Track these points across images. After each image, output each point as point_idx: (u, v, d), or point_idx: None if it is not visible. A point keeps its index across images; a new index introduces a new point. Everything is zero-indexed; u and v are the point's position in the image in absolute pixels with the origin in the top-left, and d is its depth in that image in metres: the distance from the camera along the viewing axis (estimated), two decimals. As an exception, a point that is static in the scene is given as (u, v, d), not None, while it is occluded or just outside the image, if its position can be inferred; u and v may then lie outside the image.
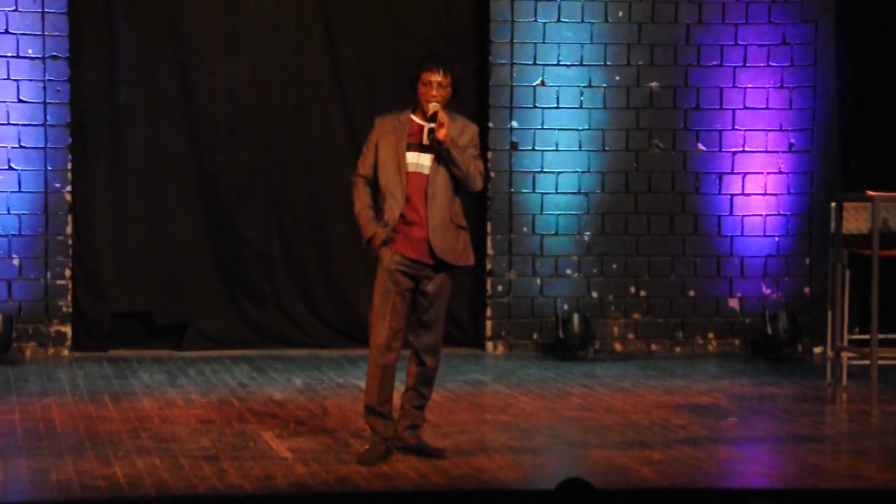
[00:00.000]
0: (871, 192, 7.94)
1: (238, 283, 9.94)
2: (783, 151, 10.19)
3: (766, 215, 10.19)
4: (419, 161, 6.32)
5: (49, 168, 9.53)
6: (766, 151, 10.18)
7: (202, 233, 9.87)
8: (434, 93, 6.28)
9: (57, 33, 9.50)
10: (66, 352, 9.58)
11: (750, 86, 10.15)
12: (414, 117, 6.36)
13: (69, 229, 9.59)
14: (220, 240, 9.89)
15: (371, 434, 6.44)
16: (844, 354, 8.19)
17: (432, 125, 6.25)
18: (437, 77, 6.28)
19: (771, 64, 10.15)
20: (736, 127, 10.17)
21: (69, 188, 9.58)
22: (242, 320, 9.93)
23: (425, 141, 6.31)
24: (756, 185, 10.17)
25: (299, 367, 9.20)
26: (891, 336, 8.50)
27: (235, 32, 9.86)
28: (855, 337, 8.84)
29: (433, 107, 6.26)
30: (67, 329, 9.60)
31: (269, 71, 9.92)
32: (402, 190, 6.29)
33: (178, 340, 9.80)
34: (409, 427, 6.49)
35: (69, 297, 9.59)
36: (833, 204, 8.24)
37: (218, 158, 9.89)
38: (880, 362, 7.78)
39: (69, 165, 9.57)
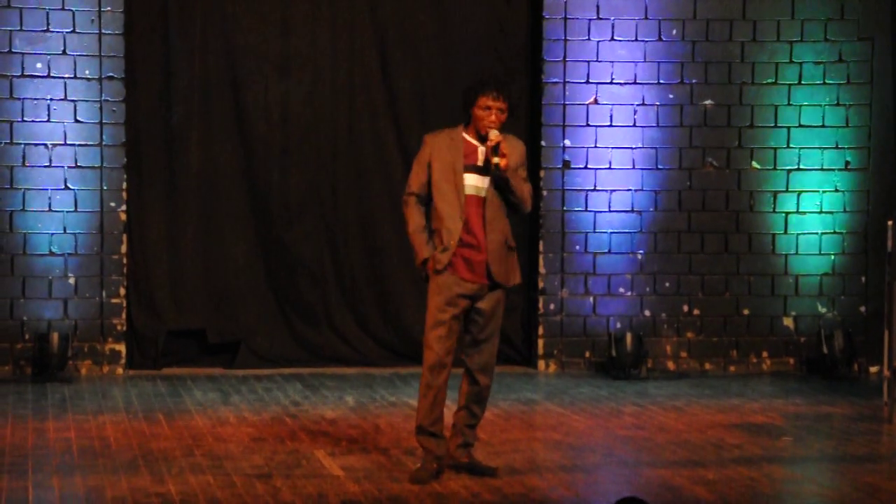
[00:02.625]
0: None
1: (290, 301, 9.97)
2: (839, 169, 10.11)
3: (822, 233, 10.10)
4: (476, 183, 6.34)
5: (105, 188, 9.61)
6: (822, 169, 10.10)
7: (255, 252, 9.92)
8: (493, 118, 6.32)
9: (113, 54, 9.60)
10: (120, 370, 9.65)
11: (805, 104, 10.08)
12: (467, 136, 6.37)
13: (124, 248, 9.67)
14: (273, 259, 9.94)
15: (423, 453, 6.43)
16: (872, 369, 8.09)
17: (496, 159, 6.26)
18: (496, 102, 6.32)
19: (827, 82, 10.08)
20: (791, 145, 10.10)
21: (124, 207, 9.67)
22: (295, 338, 9.97)
23: (479, 162, 6.32)
24: (811, 203, 10.09)
25: (351, 385, 9.21)
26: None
27: (289, 52, 9.92)
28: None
29: (494, 135, 6.29)
30: (122, 347, 9.67)
31: (323, 90, 9.97)
32: (460, 213, 6.31)
33: (231, 359, 9.85)
34: (462, 445, 6.49)
35: (123, 316, 9.66)
36: (890, 222, 8.16)
37: (271, 178, 9.94)
38: (938, 382, 7.69)
39: (124, 185, 9.66)
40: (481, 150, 6.32)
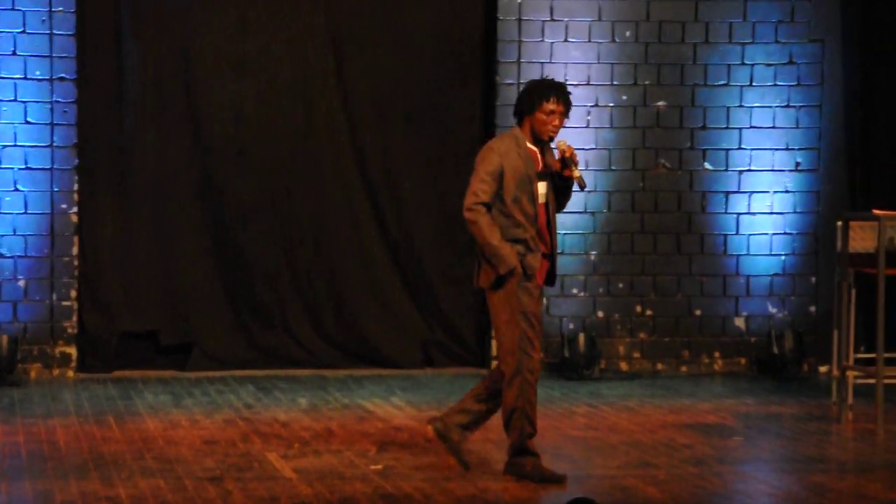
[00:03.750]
0: (877, 211, 7.93)
1: (244, 303, 9.94)
2: (790, 170, 10.18)
3: (773, 234, 10.17)
4: (543, 190, 6.41)
5: (55, 189, 9.55)
6: (773, 170, 10.16)
7: (208, 253, 9.87)
8: (557, 123, 6.36)
9: (64, 55, 9.53)
10: (70, 373, 9.58)
11: (756, 105, 10.14)
12: (530, 145, 6.39)
13: (75, 250, 9.60)
14: (227, 260, 9.90)
15: (533, 458, 6.42)
16: (850, 373, 8.17)
17: (577, 172, 6.34)
18: (558, 106, 6.35)
19: (778, 83, 10.15)
20: (742, 146, 10.16)
21: (75, 209, 9.60)
22: (248, 341, 9.93)
23: (540, 168, 6.37)
24: (762, 204, 10.15)
25: (305, 388, 9.19)
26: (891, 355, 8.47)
27: (243, 53, 9.88)
28: (861, 356, 8.80)
29: (564, 144, 6.38)
30: (72, 350, 9.60)
31: (277, 92, 9.94)
32: (536, 221, 6.35)
33: (184, 361, 9.80)
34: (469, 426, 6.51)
35: (74, 319, 9.60)
36: (839, 223, 8.22)
37: (225, 179, 9.90)
38: (886, 381, 7.75)
39: (75, 187, 9.59)
40: (554, 155, 6.38)
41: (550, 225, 6.40)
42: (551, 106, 6.32)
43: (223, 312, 9.89)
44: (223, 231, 9.90)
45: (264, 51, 9.90)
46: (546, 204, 6.39)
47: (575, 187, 6.46)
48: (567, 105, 6.38)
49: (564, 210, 6.64)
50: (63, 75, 9.54)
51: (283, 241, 9.99)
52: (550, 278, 6.47)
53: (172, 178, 9.83)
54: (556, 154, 6.48)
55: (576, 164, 6.38)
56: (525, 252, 6.32)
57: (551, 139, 6.40)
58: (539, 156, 6.39)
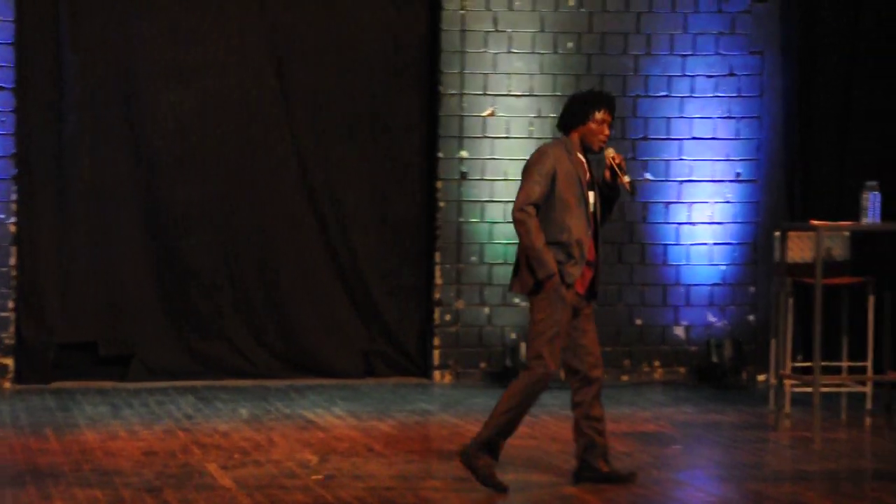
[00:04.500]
0: (814, 222, 8.01)
1: (184, 313, 9.88)
2: (730, 181, 10.26)
3: (713, 244, 10.24)
4: (592, 199, 6.45)
5: (-8, 199, 9.47)
6: (713, 181, 10.24)
7: (148, 263, 9.81)
8: (607, 132, 6.42)
9: (2, 64, 9.45)
10: (7, 384, 9.48)
11: (697, 116, 10.22)
12: (579, 154, 6.44)
13: (12, 261, 9.51)
14: (166, 270, 9.84)
15: (489, 459, 6.42)
16: (787, 382, 8.25)
17: (627, 178, 6.42)
18: (608, 116, 6.42)
19: (718, 94, 10.23)
20: (683, 157, 10.24)
21: (13, 219, 9.51)
22: (188, 351, 9.88)
23: (587, 176, 6.42)
24: (703, 214, 10.22)
25: (245, 398, 9.15)
26: (833, 363, 8.56)
27: (182, 62, 9.83)
28: (798, 364, 8.90)
29: (611, 152, 6.43)
30: (9, 361, 9.50)
31: (217, 100, 9.91)
32: (587, 228, 6.36)
33: (124, 371, 9.73)
34: (600, 452, 6.51)
35: (11, 329, 9.50)
36: (777, 233, 8.31)
37: (164, 188, 9.84)
38: (822, 389, 7.83)
39: (13, 196, 9.50)
40: (608, 158, 6.43)
41: (597, 235, 6.46)
42: (602, 115, 6.41)
43: (163, 322, 9.83)
44: (163, 241, 9.84)
45: (205, 60, 9.86)
46: (594, 213, 6.45)
47: (624, 193, 6.54)
48: (614, 114, 6.49)
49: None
50: (1, 84, 9.46)
51: (223, 250, 9.94)
52: (592, 290, 6.49)
53: (112, 187, 9.77)
54: (606, 162, 6.53)
55: (625, 171, 6.46)
56: (565, 260, 6.34)
57: (602, 149, 6.46)
58: (587, 166, 6.46)
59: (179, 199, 9.86)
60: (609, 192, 6.52)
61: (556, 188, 6.34)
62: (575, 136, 6.44)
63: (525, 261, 6.37)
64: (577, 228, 6.34)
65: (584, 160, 6.45)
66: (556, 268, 6.29)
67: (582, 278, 6.41)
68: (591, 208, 6.43)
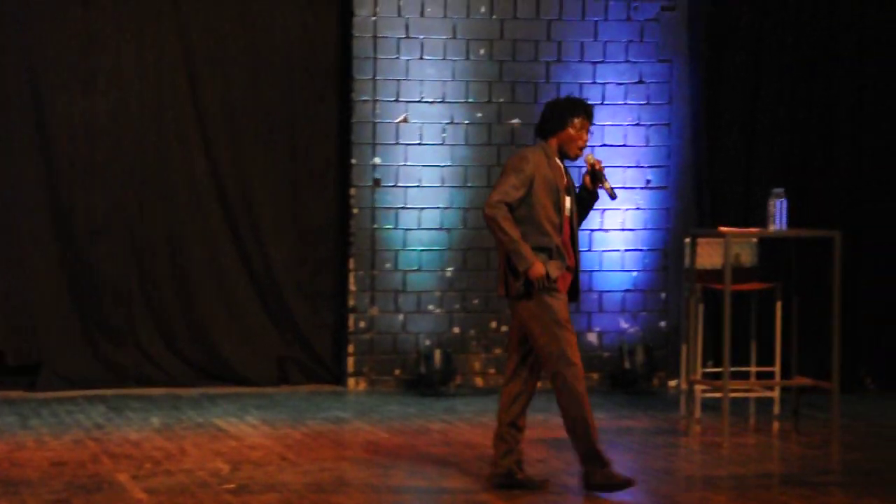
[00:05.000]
0: (723, 228, 8.13)
1: (94, 321, 9.77)
2: (640, 188, 10.37)
3: (624, 251, 10.34)
4: (568, 204, 6.51)
5: None
6: (624, 188, 10.33)
7: (58, 270, 9.69)
8: (586, 138, 6.50)
9: None
10: (-86, 394, 9.33)
11: (608, 123, 10.32)
12: (557, 160, 6.49)
13: (-82, 268, 9.36)
14: (77, 277, 9.73)
15: (602, 470, 6.42)
16: (698, 387, 8.35)
17: (608, 184, 6.51)
18: (586, 123, 6.50)
19: (628, 102, 10.34)
20: (595, 164, 10.31)
21: (-81, 226, 9.36)
22: (99, 359, 9.77)
23: (565, 183, 6.48)
24: (614, 221, 10.32)
25: (157, 407, 9.07)
26: (742, 369, 8.69)
27: (93, 68, 9.74)
28: (708, 370, 9.02)
29: (591, 157, 6.53)
30: (-85, 371, 9.35)
31: (129, 107, 9.82)
32: (561, 233, 6.41)
33: (33, 381, 9.59)
34: (518, 460, 6.55)
35: (-84, 339, 9.35)
36: (687, 239, 8.41)
37: (75, 195, 9.73)
38: (732, 395, 7.95)
39: (-81, 203, 9.36)
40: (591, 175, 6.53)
41: (574, 240, 6.53)
42: (580, 122, 6.48)
43: (73, 331, 9.71)
44: (73, 248, 9.73)
45: (115, 66, 9.77)
46: (570, 218, 6.51)
47: (604, 198, 6.63)
48: (592, 121, 6.57)
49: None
50: None
51: (135, 257, 9.85)
52: (574, 294, 6.54)
53: (19, 193, 9.63)
54: (586, 167, 6.61)
55: (605, 178, 6.55)
56: (546, 259, 6.37)
57: (577, 155, 6.53)
58: (563, 171, 6.52)
59: (90, 207, 9.75)
60: (588, 197, 6.61)
61: (534, 193, 6.40)
62: (553, 142, 6.50)
63: (508, 263, 6.40)
64: (555, 233, 6.42)
65: (560, 165, 6.53)
66: (535, 259, 6.31)
67: (563, 281, 6.47)
68: (568, 213, 6.50)
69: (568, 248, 6.49)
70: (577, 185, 6.68)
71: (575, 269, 6.55)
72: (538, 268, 6.32)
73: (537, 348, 6.46)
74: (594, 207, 6.70)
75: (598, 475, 6.47)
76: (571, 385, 6.39)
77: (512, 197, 6.36)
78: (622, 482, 6.47)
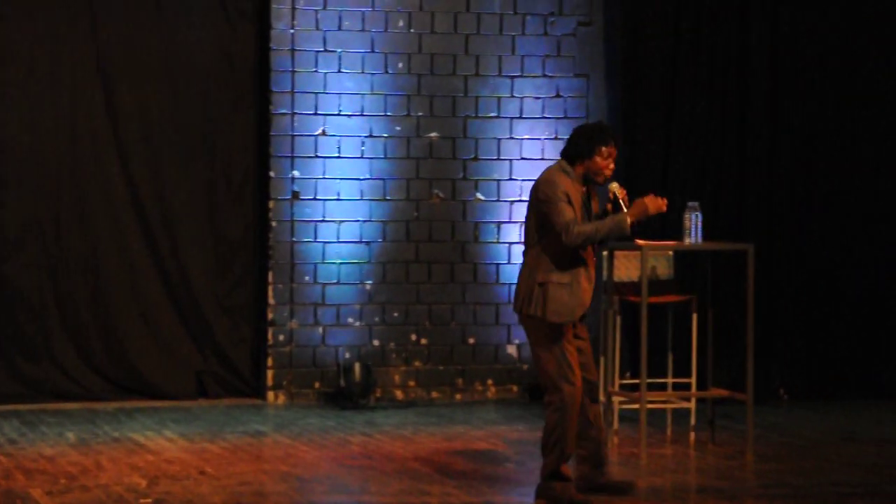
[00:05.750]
0: (639, 241, 8.21)
1: (8, 335, 9.63)
2: (559, 201, 10.42)
3: (543, 263, 10.39)
4: None
5: None
6: (543, 201, 10.39)
7: (-31, 285, 9.56)
8: (612, 166, 6.59)
9: None
10: None
11: (526, 137, 10.39)
12: (580, 184, 6.61)
13: None
14: (-11, 292, 9.60)
15: (563, 483, 6.52)
16: (616, 399, 8.42)
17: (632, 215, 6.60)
18: (613, 150, 6.58)
19: (546, 116, 10.42)
20: (513, 177, 10.39)
21: None
22: (13, 374, 9.63)
23: (596, 210, 6.67)
24: (533, 233, 10.37)
25: (73, 421, 8.96)
26: (659, 380, 8.78)
27: (5, 80, 9.62)
28: (626, 382, 9.10)
29: (617, 187, 6.64)
30: None
31: (43, 119, 9.71)
32: (592, 255, 6.60)
33: (-55, 397, 9.45)
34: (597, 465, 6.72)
35: None
36: (605, 252, 8.48)
37: (-12, 208, 9.61)
38: (649, 406, 8.02)
39: None
40: (615, 191, 6.66)
41: (596, 264, 6.69)
42: (608, 150, 6.57)
43: (-14, 345, 9.57)
44: (-13, 261, 9.60)
45: (31, 77, 9.66)
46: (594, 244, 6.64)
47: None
48: (618, 149, 6.66)
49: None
50: None
51: (50, 271, 9.73)
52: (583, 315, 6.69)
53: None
54: (609, 195, 6.70)
55: (628, 205, 6.63)
56: (572, 282, 6.53)
57: (606, 181, 6.63)
58: (588, 196, 6.65)
59: (3, 221, 9.63)
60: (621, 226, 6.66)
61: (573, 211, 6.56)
62: (579, 168, 6.61)
63: (526, 285, 6.59)
64: (584, 252, 6.57)
65: (584, 189, 6.64)
66: (614, 220, 6.51)
67: (582, 304, 6.62)
68: None
69: (593, 270, 6.65)
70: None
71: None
72: (626, 219, 6.52)
73: (537, 365, 6.64)
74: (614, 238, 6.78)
75: (559, 489, 6.58)
76: (566, 405, 6.54)
77: (571, 215, 6.50)
78: (580, 501, 6.56)
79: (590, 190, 6.70)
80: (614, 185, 6.71)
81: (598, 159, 6.58)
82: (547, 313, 6.53)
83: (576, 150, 6.61)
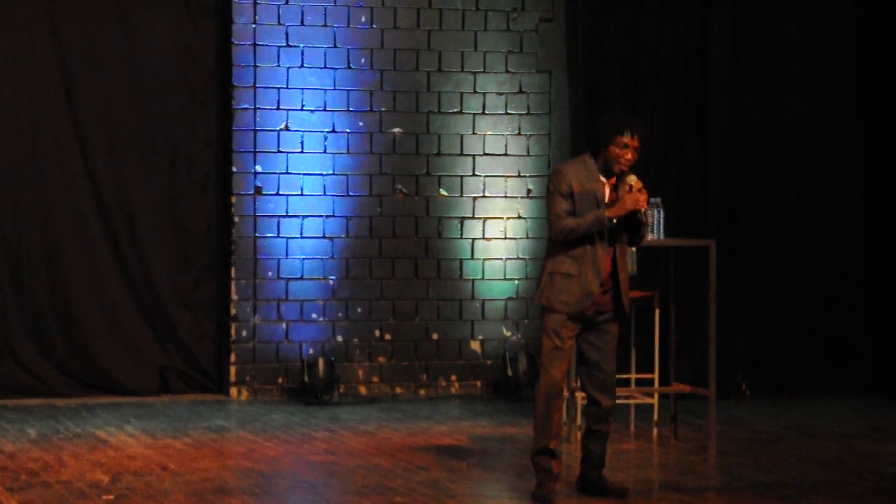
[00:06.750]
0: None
1: (-33, 331, 9.58)
2: (522, 197, 10.46)
3: (506, 259, 10.43)
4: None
5: None
6: (506, 197, 10.43)
7: (-71, 280, 9.49)
8: (629, 157, 6.47)
9: None
10: None
11: (489, 133, 10.40)
12: (601, 175, 6.52)
13: None
14: (-51, 287, 9.53)
15: (543, 473, 6.55)
16: (579, 395, 8.45)
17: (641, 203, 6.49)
18: (632, 141, 6.46)
19: (509, 112, 10.43)
20: (476, 173, 10.40)
21: None
22: (-28, 370, 9.58)
23: (607, 199, 6.52)
24: (496, 229, 10.40)
25: (34, 417, 8.91)
26: (622, 376, 8.80)
27: (-36, 73, 9.57)
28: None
29: (633, 179, 6.47)
30: None
31: (2, 115, 9.63)
32: (605, 250, 6.51)
33: None
34: (595, 467, 6.69)
35: None
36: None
37: (-53, 203, 9.54)
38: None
39: None
40: (628, 184, 6.48)
41: (616, 258, 6.54)
42: (626, 139, 6.47)
43: (-55, 341, 9.50)
44: (-55, 257, 9.52)
45: (-14, 70, 9.61)
46: (614, 235, 6.52)
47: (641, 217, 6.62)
48: (642, 139, 6.52)
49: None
50: None
51: (10, 266, 9.67)
52: (620, 312, 6.62)
53: None
54: (625, 187, 6.54)
55: (645, 195, 6.53)
56: (577, 274, 6.47)
57: (623, 172, 6.51)
58: (608, 188, 6.54)
59: (-37, 214, 9.56)
60: (631, 215, 6.53)
61: (573, 204, 6.49)
62: (600, 159, 6.55)
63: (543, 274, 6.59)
64: (591, 244, 6.48)
65: (604, 180, 6.55)
66: (594, 215, 6.42)
67: (600, 299, 6.54)
68: (608, 226, 6.51)
69: (606, 264, 6.52)
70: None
71: (616, 286, 6.56)
72: (601, 213, 6.43)
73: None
74: (640, 233, 6.64)
75: (543, 463, 6.63)
76: (548, 390, 6.59)
77: (563, 208, 6.47)
78: (542, 497, 6.57)
79: (618, 181, 6.57)
80: (632, 178, 6.54)
81: (613, 148, 6.50)
82: (552, 302, 6.53)
83: (594, 140, 6.57)
